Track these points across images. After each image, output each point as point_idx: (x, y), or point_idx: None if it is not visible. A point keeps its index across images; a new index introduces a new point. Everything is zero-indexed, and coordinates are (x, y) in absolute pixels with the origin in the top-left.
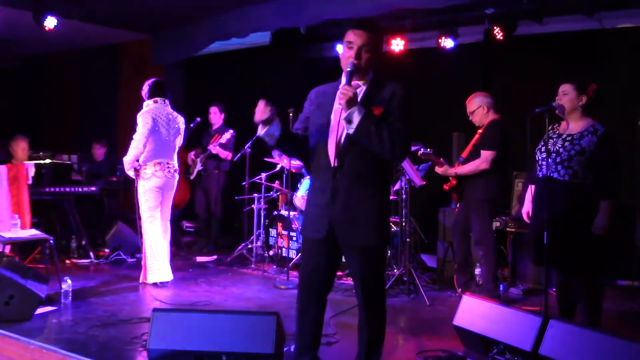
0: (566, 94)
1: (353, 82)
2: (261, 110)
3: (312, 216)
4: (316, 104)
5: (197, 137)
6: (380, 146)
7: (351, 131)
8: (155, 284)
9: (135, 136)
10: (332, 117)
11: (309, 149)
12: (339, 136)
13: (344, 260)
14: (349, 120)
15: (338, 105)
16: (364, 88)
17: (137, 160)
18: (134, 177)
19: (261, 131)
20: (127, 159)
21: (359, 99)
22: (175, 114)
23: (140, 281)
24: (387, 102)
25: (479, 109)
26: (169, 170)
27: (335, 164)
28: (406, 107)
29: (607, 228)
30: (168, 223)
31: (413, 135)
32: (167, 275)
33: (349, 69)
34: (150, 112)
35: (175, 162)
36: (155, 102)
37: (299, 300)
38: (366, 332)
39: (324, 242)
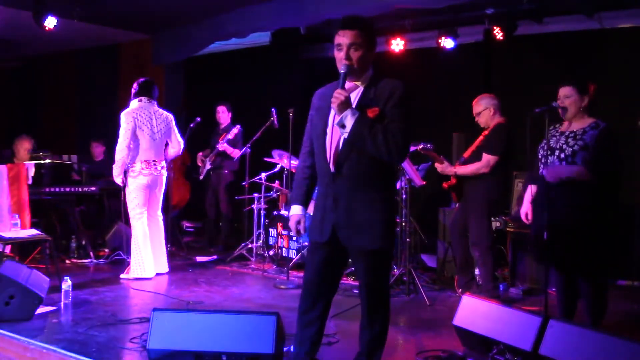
0: (569, 97)
1: (350, 84)
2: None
3: (317, 219)
4: (316, 108)
5: (204, 137)
6: (376, 149)
7: (346, 135)
8: (137, 279)
9: (118, 140)
10: (330, 121)
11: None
12: (336, 141)
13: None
14: (342, 125)
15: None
16: (361, 89)
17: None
18: (122, 184)
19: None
20: (116, 165)
21: (356, 101)
22: (162, 112)
23: (123, 276)
24: (384, 102)
25: (485, 110)
26: (156, 168)
27: (334, 170)
28: (404, 106)
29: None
30: (160, 219)
31: (414, 135)
32: (150, 272)
33: (342, 71)
34: (131, 112)
35: (163, 160)
36: (140, 101)
37: (302, 300)
38: (368, 332)
39: (328, 244)
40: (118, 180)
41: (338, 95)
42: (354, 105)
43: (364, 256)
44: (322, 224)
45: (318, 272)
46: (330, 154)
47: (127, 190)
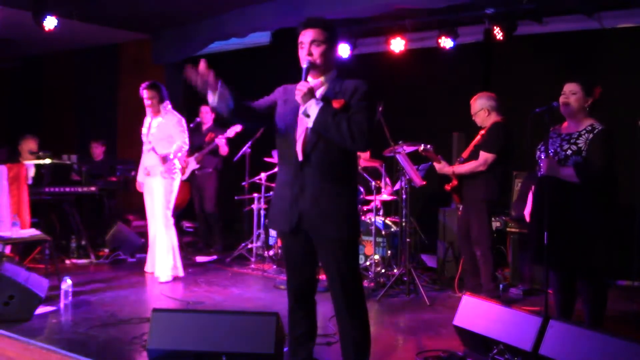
0: (574, 94)
1: (316, 81)
2: (203, 72)
3: (280, 209)
4: (283, 99)
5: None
6: (340, 137)
7: (310, 124)
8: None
9: (182, 138)
10: (299, 113)
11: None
12: (303, 131)
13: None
14: (307, 114)
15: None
16: (326, 84)
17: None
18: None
19: (213, 101)
20: (172, 154)
21: (320, 95)
22: None
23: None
24: (349, 96)
25: (480, 111)
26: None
27: (302, 159)
28: (368, 100)
29: (550, 171)
30: None
31: (414, 135)
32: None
33: (304, 66)
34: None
35: None
36: (169, 103)
37: (288, 298)
38: (351, 334)
39: (296, 235)
40: (164, 167)
41: (301, 87)
42: (318, 98)
43: (332, 246)
44: (286, 213)
45: (294, 266)
46: (299, 144)
47: (170, 189)
